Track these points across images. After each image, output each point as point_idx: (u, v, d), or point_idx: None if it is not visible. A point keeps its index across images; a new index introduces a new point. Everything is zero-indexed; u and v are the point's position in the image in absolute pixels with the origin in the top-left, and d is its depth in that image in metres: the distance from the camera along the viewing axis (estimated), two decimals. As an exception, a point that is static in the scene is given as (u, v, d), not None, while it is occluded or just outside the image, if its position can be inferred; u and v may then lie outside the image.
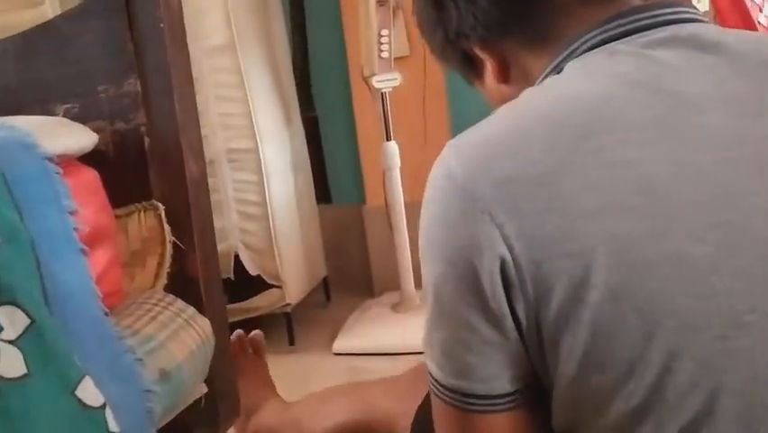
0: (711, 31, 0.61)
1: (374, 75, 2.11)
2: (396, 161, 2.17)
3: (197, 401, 0.68)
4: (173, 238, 0.70)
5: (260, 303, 2.18)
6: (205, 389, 0.68)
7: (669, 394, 0.52)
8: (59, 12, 1.38)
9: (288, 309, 2.15)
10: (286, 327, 2.17)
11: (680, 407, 0.53)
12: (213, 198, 2.15)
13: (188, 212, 0.72)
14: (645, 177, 0.53)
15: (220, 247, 2.14)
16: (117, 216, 0.71)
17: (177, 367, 0.61)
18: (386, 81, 2.12)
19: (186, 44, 0.73)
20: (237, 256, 2.16)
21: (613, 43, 0.60)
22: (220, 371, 0.74)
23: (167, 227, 0.70)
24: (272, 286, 2.17)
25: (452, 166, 0.56)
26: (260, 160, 2.09)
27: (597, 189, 0.52)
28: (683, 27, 0.61)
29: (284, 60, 2.35)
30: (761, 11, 1.25)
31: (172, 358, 0.61)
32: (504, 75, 0.68)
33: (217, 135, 2.11)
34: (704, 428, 0.53)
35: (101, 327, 0.55)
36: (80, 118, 0.71)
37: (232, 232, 2.16)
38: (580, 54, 0.61)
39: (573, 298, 0.52)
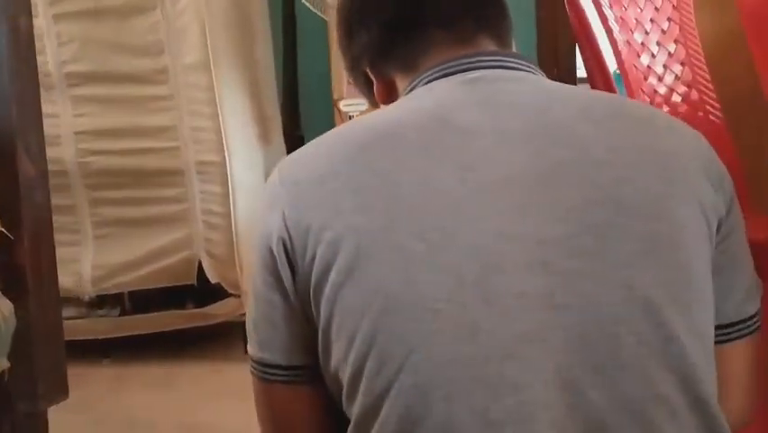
0: (513, 77, 0.71)
1: (342, 99, 2.20)
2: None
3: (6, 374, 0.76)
4: (1, 229, 0.78)
5: (219, 311, 2.28)
6: (5, 364, 0.76)
7: (369, 364, 0.60)
8: None
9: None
10: (242, 336, 2.25)
11: (377, 377, 0.59)
12: (181, 206, 2.27)
13: (19, 207, 0.80)
14: (395, 184, 0.62)
15: (184, 254, 2.28)
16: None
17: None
18: (353, 105, 2.21)
19: (34, 59, 0.82)
20: (201, 264, 2.26)
21: (436, 81, 0.70)
22: (44, 351, 0.81)
23: (-5, 219, 0.78)
24: (232, 295, 2.27)
25: (272, 177, 0.68)
26: (226, 173, 2.19)
27: (355, 192, 0.62)
28: (492, 72, 0.70)
29: (266, 81, 2.45)
30: (660, 80, 1.25)
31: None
32: (386, 95, 0.77)
33: (189, 148, 2.22)
34: (386, 401, 0.59)
35: None
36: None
37: (197, 240, 2.26)
38: (423, 84, 0.71)
39: (323, 277, 0.61)
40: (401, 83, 0.75)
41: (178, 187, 2.23)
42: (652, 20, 1.30)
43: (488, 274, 0.60)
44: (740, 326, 0.73)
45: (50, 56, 2.22)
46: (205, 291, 2.32)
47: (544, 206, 0.62)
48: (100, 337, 2.33)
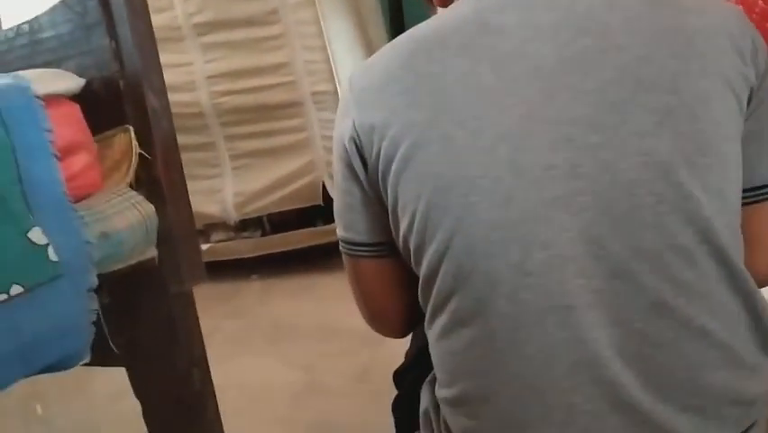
0: None
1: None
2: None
3: (151, 261, 1.00)
4: (140, 150, 1.01)
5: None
6: (154, 252, 1.00)
7: (428, 233, 0.74)
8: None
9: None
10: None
11: (434, 243, 0.73)
12: (303, 135, 2.51)
13: (150, 132, 1.03)
14: (439, 83, 0.73)
15: (310, 178, 2.52)
16: (106, 137, 1.03)
17: (116, 232, 0.93)
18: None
19: (147, 12, 1.03)
20: (324, 185, 2.49)
21: None
22: (183, 244, 1.05)
23: (135, 143, 1.01)
24: (355, 212, 2.48)
25: (345, 86, 0.82)
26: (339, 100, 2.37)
27: (408, 93, 0.75)
28: None
29: (370, 8, 2.59)
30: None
31: (112, 226, 0.93)
32: (442, 1, 0.87)
33: (303, 80, 2.43)
34: (443, 262, 0.73)
35: (59, 202, 0.87)
36: (77, 70, 1.04)
37: (319, 164, 2.49)
38: None
39: (387, 167, 0.75)
40: None
41: (298, 117, 2.45)
42: None
43: (518, 151, 0.70)
44: (762, 191, 0.78)
45: (180, 10, 2.48)
46: (332, 210, 2.55)
47: (569, 89, 0.70)
48: (246, 256, 2.65)
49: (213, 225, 2.70)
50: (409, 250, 0.77)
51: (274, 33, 2.41)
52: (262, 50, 2.43)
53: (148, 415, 1.19)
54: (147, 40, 1.04)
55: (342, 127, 0.80)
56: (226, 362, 2.10)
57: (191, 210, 1.10)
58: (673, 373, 0.71)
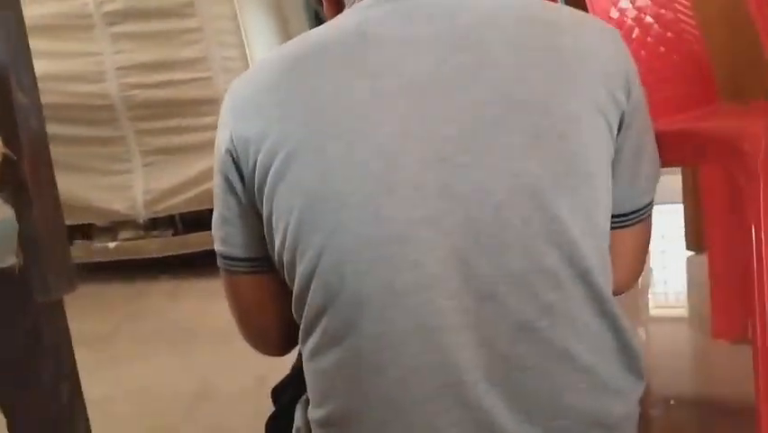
0: None
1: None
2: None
3: (10, 268, 0.93)
4: (6, 150, 0.94)
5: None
6: (13, 260, 0.94)
7: (300, 250, 0.71)
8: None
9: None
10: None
11: (305, 261, 0.71)
12: (215, 133, 2.43)
13: (18, 132, 0.96)
14: (317, 95, 0.71)
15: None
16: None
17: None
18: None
19: (18, 6, 0.96)
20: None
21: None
22: (50, 251, 0.98)
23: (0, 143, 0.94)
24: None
25: (226, 95, 0.79)
26: (254, 99, 2.32)
27: (286, 104, 0.72)
28: None
29: (293, 6, 2.54)
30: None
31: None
32: (333, 12, 0.84)
33: (219, 77, 2.36)
34: (313, 280, 0.71)
35: None
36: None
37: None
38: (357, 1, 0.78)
39: (263, 180, 0.72)
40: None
41: (212, 115, 2.37)
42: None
43: (391, 169, 0.69)
44: (633, 215, 0.81)
45: (89, -2, 2.38)
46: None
47: (443, 107, 0.70)
48: (156, 256, 2.57)
49: (121, 223, 2.61)
50: (283, 266, 0.75)
51: (189, 27, 2.34)
52: (177, 43, 2.36)
53: (12, 431, 1.12)
54: (16, 33, 0.98)
55: (219, 138, 0.77)
56: (122, 366, 2.04)
57: (61, 214, 1.03)
58: (538, 396, 0.70)
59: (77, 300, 1.04)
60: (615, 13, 1.27)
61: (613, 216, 0.77)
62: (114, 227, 2.63)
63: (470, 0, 0.76)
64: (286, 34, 2.44)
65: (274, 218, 0.73)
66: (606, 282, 0.73)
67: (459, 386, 0.69)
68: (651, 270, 2.13)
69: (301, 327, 0.76)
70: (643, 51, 1.30)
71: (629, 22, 1.28)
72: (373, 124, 0.70)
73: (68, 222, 2.69)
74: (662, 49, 1.30)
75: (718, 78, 1.30)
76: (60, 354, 1.07)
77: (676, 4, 1.31)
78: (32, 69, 1.01)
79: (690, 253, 2.13)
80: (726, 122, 1.08)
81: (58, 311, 1.06)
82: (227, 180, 0.77)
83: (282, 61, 0.76)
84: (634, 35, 1.29)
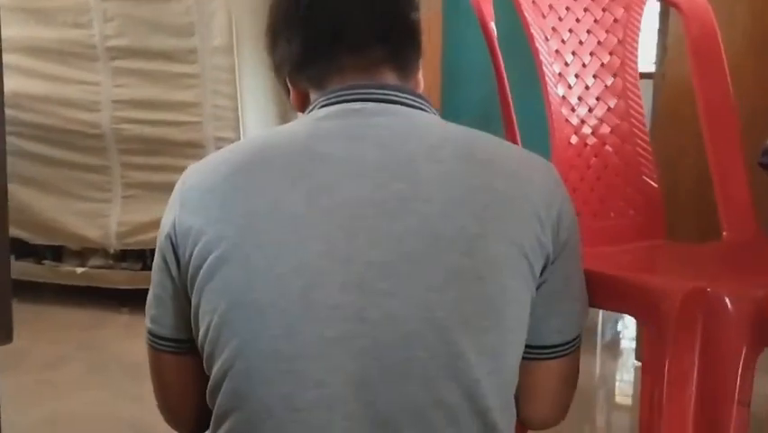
0: (390, 111, 0.79)
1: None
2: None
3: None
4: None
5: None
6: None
7: (217, 349, 0.74)
8: None
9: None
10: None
11: (221, 360, 0.74)
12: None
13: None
14: (254, 202, 0.75)
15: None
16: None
17: None
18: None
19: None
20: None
21: (325, 107, 0.80)
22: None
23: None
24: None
25: (180, 179, 0.82)
26: (240, 150, 2.38)
27: (225, 206, 0.75)
28: (375, 105, 0.79)
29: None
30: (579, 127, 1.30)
31: None
32: (300, 105, 0.88)
33: (209, 124, 2.41)
34: (225, 380, 0.74)
35: None
36: None
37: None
38: (318, 107, 0.81)
39: (196, 272, 0.75)
40: (313, 96, 0.84)
41: (197, 158, 2.42)
42: (591, 53, 1.38)
43: (309, 287, 0.71)
44: (552, 349, 0.83)
45: (97, 30, 2.45)
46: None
47: (370, 232, 0.72)
48: (121, 287, 2.58)
49: (92, 250, 2.62)
50: (203, 356, 0.78)
51: (189, 72, 2.40)
52: (174, 85, 2.42)
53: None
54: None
55: (165, 220, 0.81)
56: (65, 392, 2.04)
57: (7, 268, 1.06)
58: None
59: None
60: (575, 139, 1.31)
61: (533, 348, 0.80)
62: (84, 253, 2.65)
63: (419, 129, 0.80)
64: (276, 92, 2.50)
65: (200, 311, 0.76)
66: (506, 420, 0.75)
67: None
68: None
69: (212, 416, 0.78)
70: (598, 179, 1.35)
71: (588, 149, 1.32)
72: (301, 239, 0.73)
73: (40, 241, 2.71)
74: (618, 180, 1.35)
75: (667, 216, 1.34)
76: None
77: (637, 139, 1.36)
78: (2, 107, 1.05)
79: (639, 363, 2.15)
80: (653, 272, 1.12)
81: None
82: (165, 262, 0.80)
83: (231, 164, 0.79)
84: (591, 163, 1.34)
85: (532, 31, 1.28)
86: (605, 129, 1.36)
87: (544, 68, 1.29)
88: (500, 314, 0.74)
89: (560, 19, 1.34)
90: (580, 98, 1.34)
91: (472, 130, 0.83)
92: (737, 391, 0.89)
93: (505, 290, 0.74)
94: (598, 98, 1.35)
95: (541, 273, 0.78)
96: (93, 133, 2.50)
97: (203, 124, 2.41)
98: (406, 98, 0.81)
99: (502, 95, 1.29)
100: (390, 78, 0.83)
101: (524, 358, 0.79)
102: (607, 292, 1.00)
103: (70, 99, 2.50)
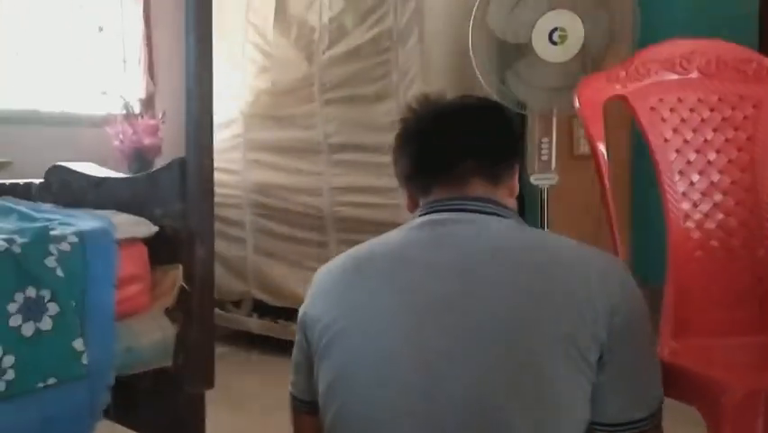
0: (466, 219, 0.98)
1: (534, 173, 2.51)
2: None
3: (166, 370, 1.36)
4: (183, 283, 1.39)
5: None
6: (170, 362, 1.36)
7: (323, 409, 0.98)
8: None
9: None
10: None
11: (326, 416, 0.97)
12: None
13: (194, 272, 1.40)
14: (358, 297, 0.98)
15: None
16: (163, 270, 1.42)
17: (139, 348, 1.30)
18: (543, 180, 2.51)
19: (211, 189, 1.41)
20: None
21: (420, 216, 1.03)
22: (202, 357, 1.40)
23: (179, 277, 1.39)
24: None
25: (318, 271, 1.10)
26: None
27: (339, 299, 1.00)
28: (455, 214, 1.00)
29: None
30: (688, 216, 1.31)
31: (138, 342, 1.30)
32: (412, 208, 1.08)
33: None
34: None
35: (104, 322, 1.26)
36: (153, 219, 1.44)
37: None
38: (418, 216, 1.04)
39: (317, 352, 1.00)
40: (420, 202, 1.06)
41: (396, 236, 2.75)
42: (717, 150, 1.44)
43: (389, 367, 0.91)
44: (618, 427, 0.92)
45: (321, 130, 2.94)
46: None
47: (435, 324, 0.90)
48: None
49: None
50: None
51: (389, 161, 2.75)
52: (380, 174, 2.79)
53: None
54: (205, 207, 1.43)
55: (302, 306, 1.07)
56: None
57: (212, 329, 1.45)
58: None
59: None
60: (696, 234, 1.37)
61: (603, 425, 0.91)
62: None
63: (489, 234, 0.97)
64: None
65: (319, 380, 1.00)
66: None
67: None
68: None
69: None
70: (724, 272, 1.39)
71: (694, 240, 1.37)
72: (387, 328, 0.94)
73: (275, 303, 3.18)
74: (746, 273, 1.37)
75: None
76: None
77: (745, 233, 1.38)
78: (212, 229, 1.45)
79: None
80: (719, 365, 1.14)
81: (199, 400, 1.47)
82: (302, 337, 1.04)
83: (345, 264, 1.04)
84: (717, 256, 1.38)
85: (646, 131, 1.39)
86: (732, 222, 1.41)
87: (660, 166, 1.39)
88: (548, 393, 0.86)
89: (682, 120, 1.43)
90: (703, 193, 1.41)
91: (539, 232, 0.99)
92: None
93: (550, 373, 0.86)
94: (724, 192, 1.41)
95: (600, 357, 0.89)
96: (315, 215, 2.97)
97: (399, 206, 2.74)
98: (483, 207, 0.99)
99: (607, 217, 1.39)
100: (479, 188, 1.01)
101: None
102: (673, 382, 1.08)
103: (300, 186, 3.00)
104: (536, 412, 0.86)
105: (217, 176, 3.23)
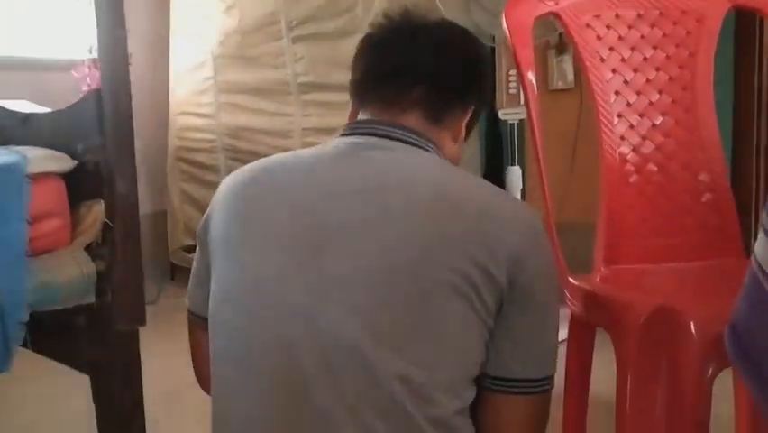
0: (387, 146, 0.92)
1: (502, 108, 2.44)
2: (517, 183, 2.48)
3: (90, 305, 1.34)
4: (105, 220, 1.35)
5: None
6: (92, 299, 1.34)
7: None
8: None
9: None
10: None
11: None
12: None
13: (114, 207, 1.37)
14: (253, 209, 0.92)
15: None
16: (85, 206, 1.38)
17: (55, 284, 1.27)
18: (510, 114, 2.44)
19: (129, 116, 1.37)
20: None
21: (341, 137, 0.98)
22: (130, 294, 1.38)
23: (101, 213, 1.35)
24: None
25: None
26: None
27: (235, 213, 0.94)
28: (375, 139, 0.93)
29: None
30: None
31: (53, 278, 1.27)
32: (350, 119, 1.03)
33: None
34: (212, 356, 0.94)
35: (15, 257, 1.23)
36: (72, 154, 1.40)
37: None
38: (339, 135, 1.00)
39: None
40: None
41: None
42: (657, 68, 1.37)
43: (279, 289, 0.87)
44: (515, 383, 0.87)
45: (290, 70, 2.87)
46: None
47: (334, 250, 0.85)
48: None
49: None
50: None
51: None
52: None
53: (98, 416, 1.53)
54: (124, 141, 1.38)
55: (205, 213, 1.03)
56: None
57: (140, 266, 1.42)
58: None
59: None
60: (633, 157, 1.31)
61: (497, 379, 0.87)
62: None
63: (406, 165, 0.90)
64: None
65: (210, 293, 0.97)
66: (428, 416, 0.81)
67: None
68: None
69: None
70: (663, 196, 1.33)
71: (650, 166, 1.31)
72: (280, 248, 0.87)
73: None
74: (687, 197, 1.32)
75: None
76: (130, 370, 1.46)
77: (709, 154, 1.32)
78: (134, 164, 1.41)
79: None
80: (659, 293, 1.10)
81: (132, 336, 1.45)
82: (201, 244, 1.01)
83: (251, 173, 0.97)
84: (653, 179, 1.33)
85: (580, 50, 1.32)
86: (671, 145, 1.35)
87: (594, 86, 1.32)
88: (436, 333, 0.82)
89: (620, 38, 1.36)
90: (641, 114, 1.34)
91: (460, 173, 0.92)
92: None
93: (444, 312, 0.82)
94: (663, 113, 1.35)
95: (499, 308, 0.85)
96: (287, 158, 2.92)
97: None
98: (407, 137, 0.93)
99: (535, 154, 1.31)
100: (415, 121, 0.95)
101: (489, 389, 0.87)
102: (596, 308, 1.05)
103: (271, 129, 2.95)
104: (418, 346, 0.81)
105: (190, 120, 3.34)
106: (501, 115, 2.44)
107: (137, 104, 1.41)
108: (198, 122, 3.15)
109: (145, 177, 3.40)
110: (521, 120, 2.45)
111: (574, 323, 0.92)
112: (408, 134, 0.94)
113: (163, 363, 2.01)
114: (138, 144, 1.40)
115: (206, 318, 0.96)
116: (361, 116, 1.00)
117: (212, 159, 3.15)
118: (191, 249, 3.17)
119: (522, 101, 2.43)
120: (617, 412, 0.96)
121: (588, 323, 1.14)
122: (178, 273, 3.37)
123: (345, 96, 2.68)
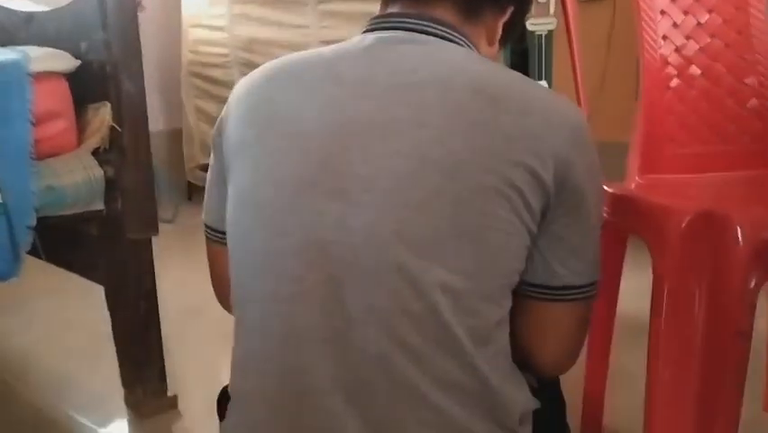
0: (418, 40, 0.83)
1: (530, 18, 2.32)
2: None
3: (99, 212, 1.29)
4: (112, 123, 1.30)
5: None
6: (100, 206, 1.29)
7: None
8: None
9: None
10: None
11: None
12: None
13: (120, 109, 1.31)
14: (273, 108, 0.83)
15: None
16: (92, 109, 1.32)
17: (61, 187, 1.22)
18: (538, 25, 2.32)
19: (135, 14, 1.29)
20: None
21: (365, 33, 0.88)
22: (142, 202, 1.33)
23: (109, 115, 1.29)
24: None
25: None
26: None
27: (253, 115, 0.86)
28: (405, 34, 0.85)
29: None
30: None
31: (59, 181, 1.22)
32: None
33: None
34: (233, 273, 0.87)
35: (19, 159, 1.17)
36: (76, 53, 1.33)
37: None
38: (363, 31, 0.89)
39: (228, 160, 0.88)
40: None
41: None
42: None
43: (299, 193, 0.80)
44: (559, 291, 0.82)
45: (306, -22, 2.74)
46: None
47: (363, 150, 0.78)
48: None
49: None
50: None
51: (379, 11, 2.57)
52: (368, 24, 2.61)
53: (114, 326, 1.52)
54: (128, 36, 1.30)
55: (220, 116, 0.95)
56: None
57: (152, 173, 1.36)
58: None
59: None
60: (676, 59, 1.22)
61: (536, 285, 0.82)
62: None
63: (440, 58, 0.82)
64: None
65: (227, 203, 0.89)
66: (474, 341, 0.76)
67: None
68: None
69: None
70: (707, 104, 1.24)
71: (693, 70, 1.22)
72: (304, 150, 0.81)
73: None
74: (731, 104, 1.23)
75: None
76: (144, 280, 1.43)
77: (756, 60, 1.22)
78: (140, 62, 1.33)
79: None
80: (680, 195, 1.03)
81: (144, 246, 1.41)
82: (217, 151, 0.92)
83: (269, 71, 0.89)
84: (696, 84, 1.24)
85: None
86: (717, 45, 1.25)
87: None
88: (477, 239, 0.75)
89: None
90: (686, 12, 1.24)
91: (499, 66, 0.83)
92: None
93: (485, 216, 0.75)
94: (710, 10, 1.24)
95: (544, 214, 0.79)
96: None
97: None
98: (440, 30, 0.84)
99: (573, 67, 1.23)
100: (446, 13, 0.86)
101: (530, 297, 0.82)
102: (629, 215, 0.98)
103: (283, 41, 2.83)
104: (463, 257, 0.75)
105: (202, 33, 3.22)
106: (529, 25, 2.31)
107: (148, 17, 1.34)
108: (212, 35, 3.04)
109: (158, 93, 3.32)
110: (549, 31, 2.33)
111: (605, 231, 0.86)
112: (441, 27, 0.85)
113: (180, 282, 1.99)
114: (151, 58, 1.33)
115: (224, 233, 0.90)
116: (389, 9, 0.90)
117: (226, 74, 3.06)
118: (208, 168, 3.11)
119: (552, 11, 2.31)
120: (651, 321, 0.91)
121: (619, 231, 1.08)
122: (194, 193, 3.33)
123: (365, 6, 2.60)
